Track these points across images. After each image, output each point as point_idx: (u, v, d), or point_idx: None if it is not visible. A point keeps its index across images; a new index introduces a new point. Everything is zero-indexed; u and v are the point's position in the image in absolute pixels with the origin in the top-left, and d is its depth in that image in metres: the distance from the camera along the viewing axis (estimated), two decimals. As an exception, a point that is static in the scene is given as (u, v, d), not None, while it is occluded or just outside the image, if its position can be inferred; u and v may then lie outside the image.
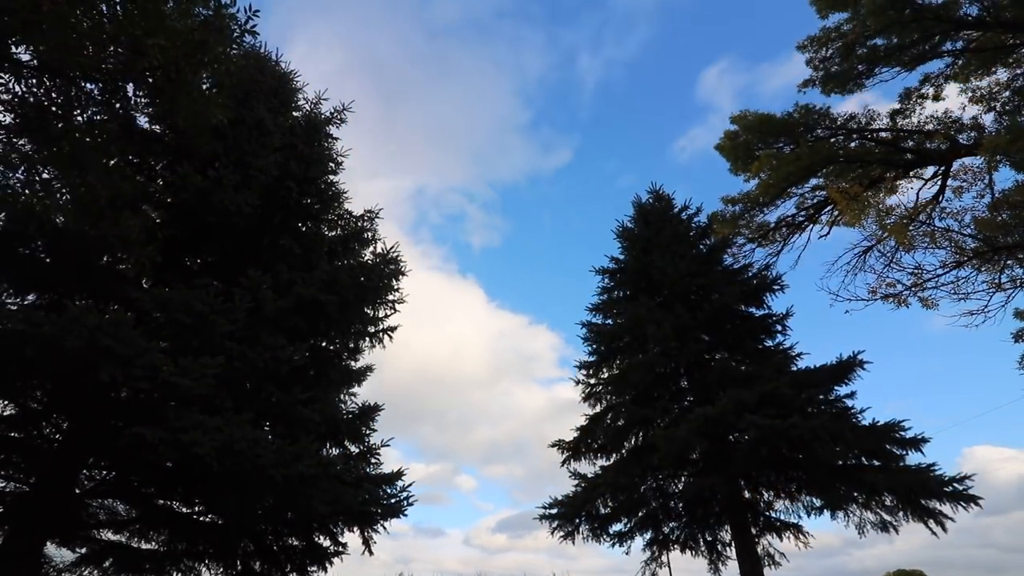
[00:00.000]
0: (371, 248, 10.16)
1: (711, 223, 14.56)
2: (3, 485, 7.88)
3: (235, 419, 6.79)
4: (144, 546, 9.33)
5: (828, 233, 13.44)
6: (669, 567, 13.52)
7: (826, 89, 11.71)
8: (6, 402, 7.45)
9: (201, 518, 8.99)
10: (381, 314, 10.08)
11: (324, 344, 10.02)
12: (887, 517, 10.60)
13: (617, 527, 12.89)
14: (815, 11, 11.51)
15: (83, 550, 8.86)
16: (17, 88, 5.56)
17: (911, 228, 9.45)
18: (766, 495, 12.41)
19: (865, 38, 10.75)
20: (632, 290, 14.75)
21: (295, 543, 9.30)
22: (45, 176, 5.89)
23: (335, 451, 9.74)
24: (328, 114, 10.43)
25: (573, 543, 12.83)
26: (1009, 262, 9.33)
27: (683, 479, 12.73)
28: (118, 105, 5.98)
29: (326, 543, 9.32)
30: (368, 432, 9.85)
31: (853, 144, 12.13)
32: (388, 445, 9.72)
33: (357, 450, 9.78)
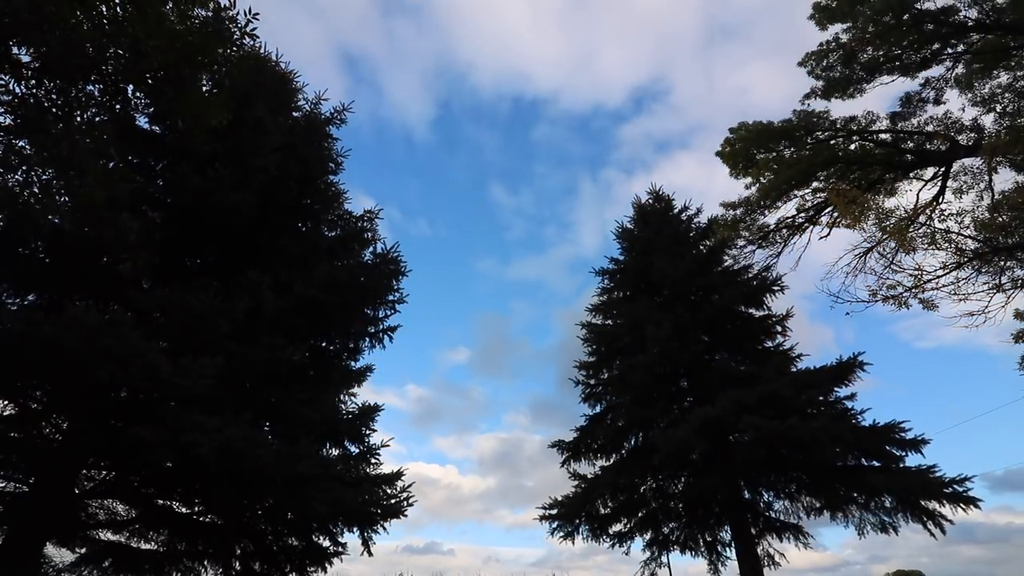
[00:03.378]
0: (371, 248, 10.16)
1: (711, 225, 14.56)
2: (3, 485, 7.88)
3: (235, 419, 6.80)
4: (144, 546, 9.33)
5: (828, 234, 13.41)
6: (669, 567, 13.51)
7: (827, 95, 11.68)
8: (6, 402, 7.45)
9: (201, 518, 8.99)
10: (381, 314, 10.08)
11: (324, 344, 10.02)
12: (887, 518, 10.60)
13: (617, 527, 12.91)
14: (814, 24, 11.48)
15: (83, 550, 8.86)
16: (17, 88, 5.56)
17: (911, 230, 9.42)
18: (766, 496, 12.42)
19: (865, 45, 10.72)
20: (632, 291, 14.75)
21: (295, 543, 9.30)
22: (44, 177, 5.89)
23: (335, 451, 9.75)
24: (328, 114, 10.42)
25: (573, 543, 12.87)
26: (1009, 263, 9.30)
27: (683, 480, 12.73)
28: (118, 106, 5.97)
29: (326, 543, 9.32)
30: (368, 432, 9.86)
31: (853, 146, 12.10)
32: (388, 445, 9.74)
33: (357, 450, 9.79)
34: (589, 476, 12.98)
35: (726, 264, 14.12)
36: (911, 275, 9.45)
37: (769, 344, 13.29)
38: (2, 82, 5.52)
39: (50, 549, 8.38)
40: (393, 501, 9.19)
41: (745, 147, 11.80)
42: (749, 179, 12.23)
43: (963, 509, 9.90)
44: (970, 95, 10.98)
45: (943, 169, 11.54)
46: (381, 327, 10.22)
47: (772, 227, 12.56)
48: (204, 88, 5.97)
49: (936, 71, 11.23)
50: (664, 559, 13.22)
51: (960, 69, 11.01)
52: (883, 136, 11.92)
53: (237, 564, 9.09)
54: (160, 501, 8.76)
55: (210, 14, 5.24)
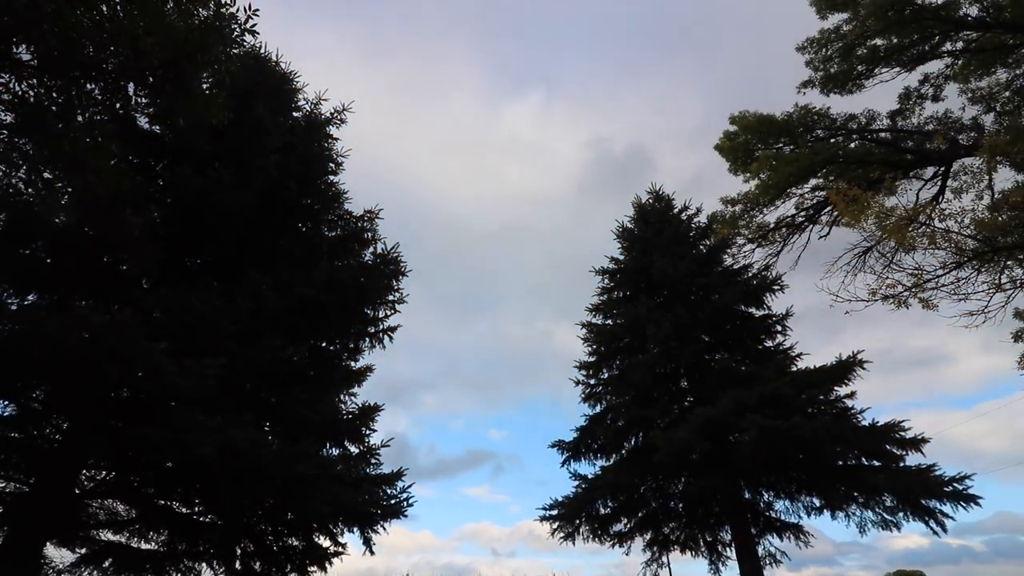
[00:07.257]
0: (371, 248, 10.15)
1: (711, 224, 14.56)
2: (3, 485, 7.87)
3: (236, 420, 6.79)
4: (144, 546, 9.32)
5: (828, 233, 13.44)
6: (669, 567, 13.51)
7: (826, 89, 11.70)
8: (6, 402, 7.44)
9: (201, 518, 8.99)
10: (381, 314, 10.07)
11: (324, 345, 10.01)
12: (887, 517, 10.61)
13: (617, 527, 12.89)
14: (815, 12, 11.51)
15: (83, 550, 8.84)
16: (17, 88, 5.56)
17: (911, 229, 9.44)
18: (766, 495, 12.42)
19: (865, 38, 10.75)
20: (632, 290, 14.74)
21: (295, 543, 9.29)
22: (46, 176, 5.89)
23: (335, 452, 9.74)
24: (328, 114, 10.42)
25: (573, 544, 12.85)
26: (1009, 263, 9.32)
27: (683, 480, 12.71)
28: (118, 105, 5.97)
29: (326, 543, 9.32)
30: (368, 432, 9.85)
31: (853, 144, 12.12)
32: (388, 445, 9.72)
33: (357, 450, 9.78)
34: (589, 476, 12.97)
35: (726, 264, 14.11)
36: (911, 274, 9.48)
37: (769, 343, 13.28)
38: (2, 81, 5.52)
39: (50, 549, 8.36)
40: (393, 501, 9.18)
41: (745, 141, 11.80)
42: (748, 175, 12.25)
43: (963, 507, 9.91)
44: (969, 93, 11.02)
45: (943, 168, 11.58)
46: (381, 327, 10.21)
47: (772, 226, 12.58)
48: (204, 87, 5.97)
49: (935, 66, 11.27)
50: (664, 559, 13.22)
51: (959, 64, 11.05)
52: (883, 135, 11.95)
53: (237, 564, 9.07)
54: (160, 501, 8.75)
55: (210, 12, 5.24)
